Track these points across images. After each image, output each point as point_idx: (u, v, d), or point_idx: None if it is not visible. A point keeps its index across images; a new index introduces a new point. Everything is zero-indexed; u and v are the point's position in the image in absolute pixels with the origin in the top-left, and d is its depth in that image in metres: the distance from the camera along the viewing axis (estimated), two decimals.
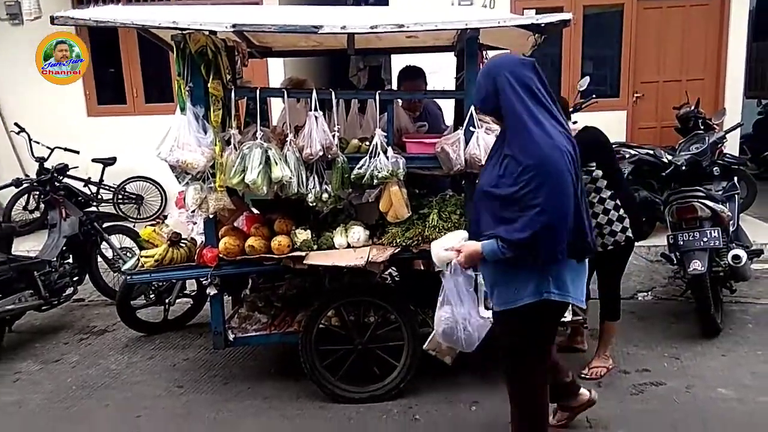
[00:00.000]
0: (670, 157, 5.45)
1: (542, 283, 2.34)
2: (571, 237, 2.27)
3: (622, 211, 3.48)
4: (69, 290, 4.81)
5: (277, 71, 7.15)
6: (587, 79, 5.97)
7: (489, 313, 2.68)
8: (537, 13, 6.94)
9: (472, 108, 3.17)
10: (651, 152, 5.79)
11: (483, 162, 3.10)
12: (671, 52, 7.36)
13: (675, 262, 4.32)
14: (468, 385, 3.55)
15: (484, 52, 3.55)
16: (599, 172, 3.46)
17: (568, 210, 2.23)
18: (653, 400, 3.39)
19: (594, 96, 6.08)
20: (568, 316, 3.28)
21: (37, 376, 4.04)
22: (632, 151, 5.84)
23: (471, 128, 3.16)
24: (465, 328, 2.74)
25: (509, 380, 2.62)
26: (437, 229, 3.24)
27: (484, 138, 3.12)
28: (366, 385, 3.44)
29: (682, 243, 4.06)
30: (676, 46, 7.34)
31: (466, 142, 3.15)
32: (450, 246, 2.53)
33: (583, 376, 3.58)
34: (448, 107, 4.44)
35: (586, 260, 2.48)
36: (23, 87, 7.57)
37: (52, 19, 3.11)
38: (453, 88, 4.05)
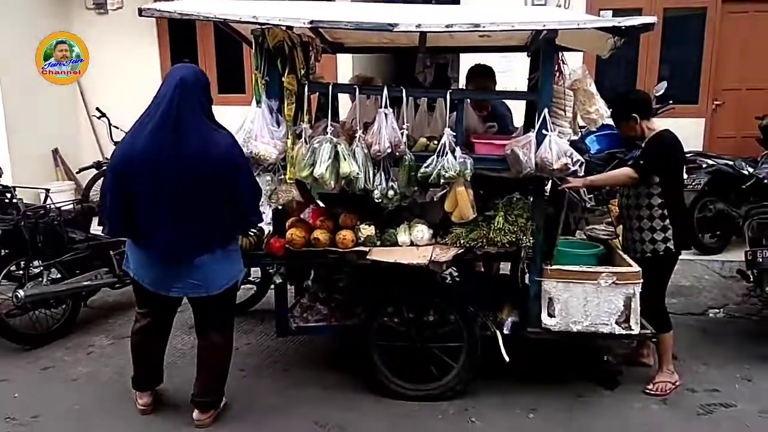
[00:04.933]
0: (751, 170, 5.19)
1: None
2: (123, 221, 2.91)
3: (667, 221, 3.42)
4: None
5: (345, 67, 7.22)
6: (664, 83, 5.77)
7: None
8: (614, 15, 6.75)
9: (545, 110, 3.11)
10: (730, 163, 5.51)
11: (554, 165, 3.05)
12: (756, 59, 6.97)
13: (752, 279, 4.11)
14: (526, 390, 3.51)
15: (559, 54, 3.46)
16: (656, 178, 3.39)
17: (105, 196, 2.94)
18: (722, 422, 3.25)
19: (671, 102, 5.86)
20: (635, 329, 3.18)
21: (108, 350, 4.26)
22: (710, 161, 5.58)
23: (543, 131, 3.10)
24: None
25: None
26: (503, 232, 3.21)
27: (557, 141, 3.06)
28: (423, 384, 3.45)
29: (761, 260, 3.88)
30: (762, 52, 6.95)
31: (538, 145, 3.09)
32: None
33: (647, 391, 3.48)
34: (516, 108, 4.37)
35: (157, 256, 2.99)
36: (107, 74, 7.96)
37: (140, 12, 3.25)
38: (523, 89, 3.99)
